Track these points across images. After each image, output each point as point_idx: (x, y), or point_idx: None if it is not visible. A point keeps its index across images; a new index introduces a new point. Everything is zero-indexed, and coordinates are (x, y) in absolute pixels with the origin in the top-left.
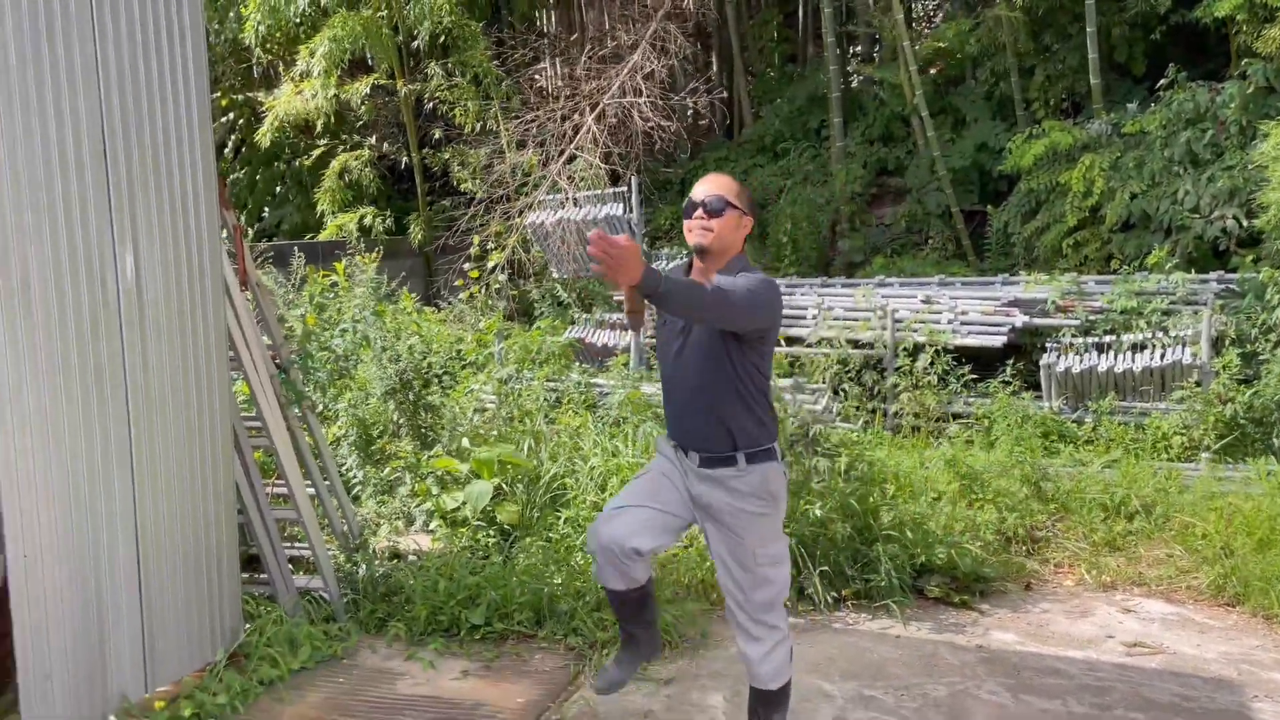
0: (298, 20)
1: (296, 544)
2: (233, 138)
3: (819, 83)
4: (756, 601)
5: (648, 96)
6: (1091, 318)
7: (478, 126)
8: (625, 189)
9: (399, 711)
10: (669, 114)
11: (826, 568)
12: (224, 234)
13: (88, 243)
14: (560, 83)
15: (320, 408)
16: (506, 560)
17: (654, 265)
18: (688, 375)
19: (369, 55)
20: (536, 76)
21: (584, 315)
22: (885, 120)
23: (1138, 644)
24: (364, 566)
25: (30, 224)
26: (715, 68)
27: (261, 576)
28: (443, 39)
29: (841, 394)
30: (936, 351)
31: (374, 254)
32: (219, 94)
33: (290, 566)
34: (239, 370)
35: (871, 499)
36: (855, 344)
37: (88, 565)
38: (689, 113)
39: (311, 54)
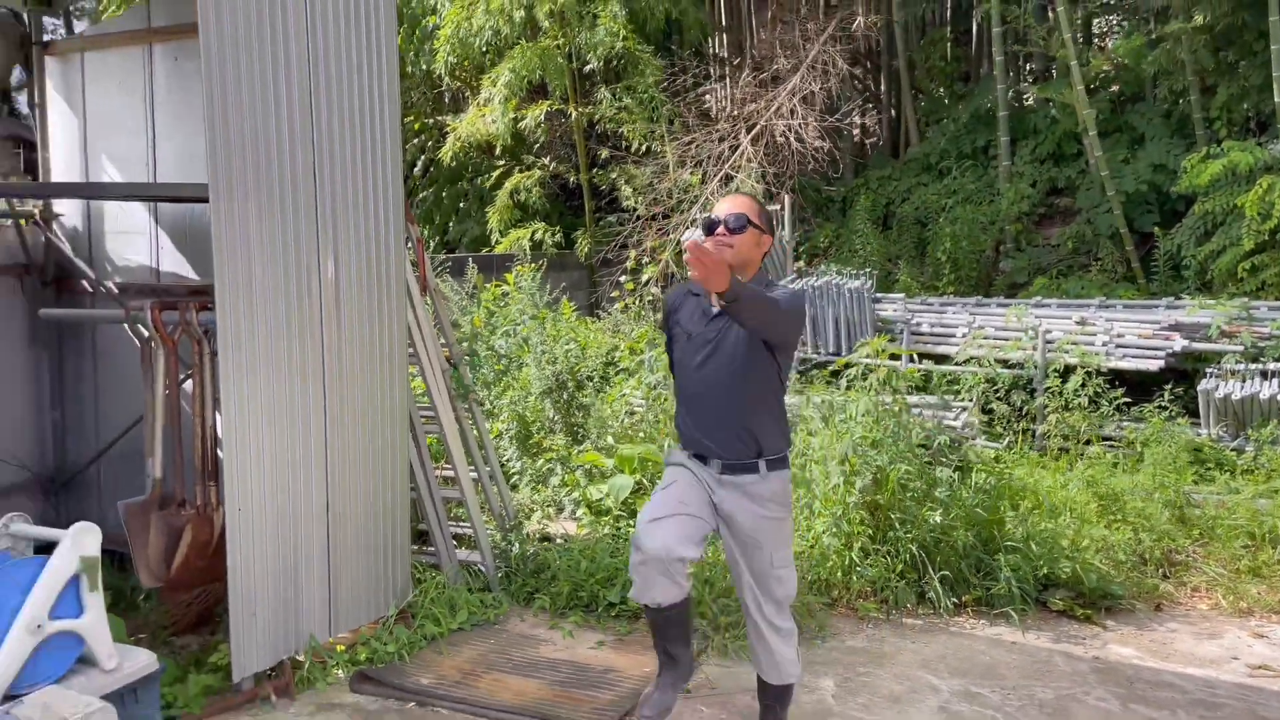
0: (484, 50)
1: (459, 523)
2: (422, 158)
3: (987, 102)
4: (769, 603)
5: (804, 118)
6: (1261, 344)
7: (643, 147)
8: (778, 206)
9: (540, 670)
10: (825, 135)
11: (947, 573)
12: (408, 245)
13: (299, 251)
14: (724, 104)
15: (486, 403)
16: None
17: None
18: (714, 386)
19: (545, 82)
20: (706, 98)
21: None
22: (1057, 139)
23: (1263, 666)
24: (517, 545)
25: (255, 235)
26: (883, 87)
27: (429, 549)
28: (615, 64)
29: (989, 412)
30: (1088, 373)
31: (536, 265)
32: (412, 118)
33: (454, 541)
34: (416, 365)
35: (1000, 510)
36: (1004, 363)
37: (287, 524)
38: (854, 132)
39: (494, 83)
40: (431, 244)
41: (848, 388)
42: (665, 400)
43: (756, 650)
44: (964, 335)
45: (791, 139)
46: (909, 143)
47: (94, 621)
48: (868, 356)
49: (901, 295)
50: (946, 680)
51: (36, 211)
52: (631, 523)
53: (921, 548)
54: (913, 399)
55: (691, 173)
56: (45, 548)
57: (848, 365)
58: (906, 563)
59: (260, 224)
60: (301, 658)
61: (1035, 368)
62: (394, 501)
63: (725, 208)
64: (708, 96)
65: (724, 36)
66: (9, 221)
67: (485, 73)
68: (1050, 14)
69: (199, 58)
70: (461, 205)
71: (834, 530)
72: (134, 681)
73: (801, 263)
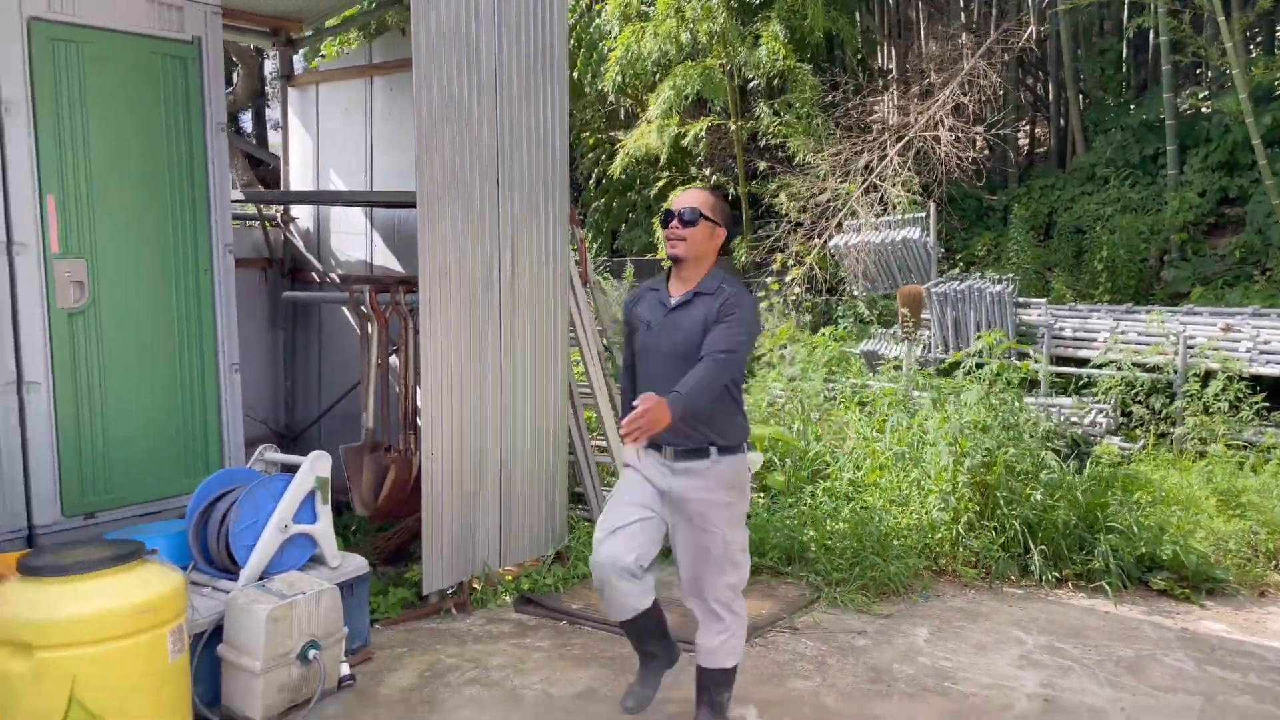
0: (652, 71)
1: (609, 487)
2: (595, 171)
3: (1158, 111)
4: (722, 587)
5: (956, 128)
6: None
7: (799, 158)
8: (924, 214)
9: (669, 608)
10: (985, 144)
11: (1045, 548)
12: (572, 244)
13: (483, 246)
14: (880, 115)
15: None
16: (768, 515)
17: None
18: (669, 375)
19: (706, 98)
20: (872, 109)
21: (881, 330)
22: (1230, 147)
23: None
24: None
25: (450, 233)
26: (1050, 95)
27: (584, 507)
28: (775, 80)
29: (1127, 415)
30: (1229, 378)
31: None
32: (588, 134)
33: (605, 499)
34: (576, 347)
35: (1105, 495)
36: (1143, 367)
37: (468, 471)
38: (1019, 141)
39: (658, 100)
40: (596, 248)
41: (965, 375)
42: (801, 391)
43: (700, 636)
44: (1105, 340)
45: (940, 149)
46: (1075, 152)
47: (324, 528)
48: (983, 351)
49: (1044, 300)
50: (1033, 636)
51: (278, 215)
52: (761, 495)
53: (1025, 524)
54: (1045, 400)
55: (842, 181)
56: (288, 473)
57: (958, 362)
58: (1010, 538)
59: (454, 224)
60: (476, 584)
61: (1175, 372)
62: (554, 459)
63: (680, 201)
64: (870, 108)
65: (889, 49)
66: (256, 223)
67: (652, 91)
68: (1216, 22)
69: (410, 88)
70: (630, 215)
71: (942, 505)
72: (351, 579)
73: (952, 270)
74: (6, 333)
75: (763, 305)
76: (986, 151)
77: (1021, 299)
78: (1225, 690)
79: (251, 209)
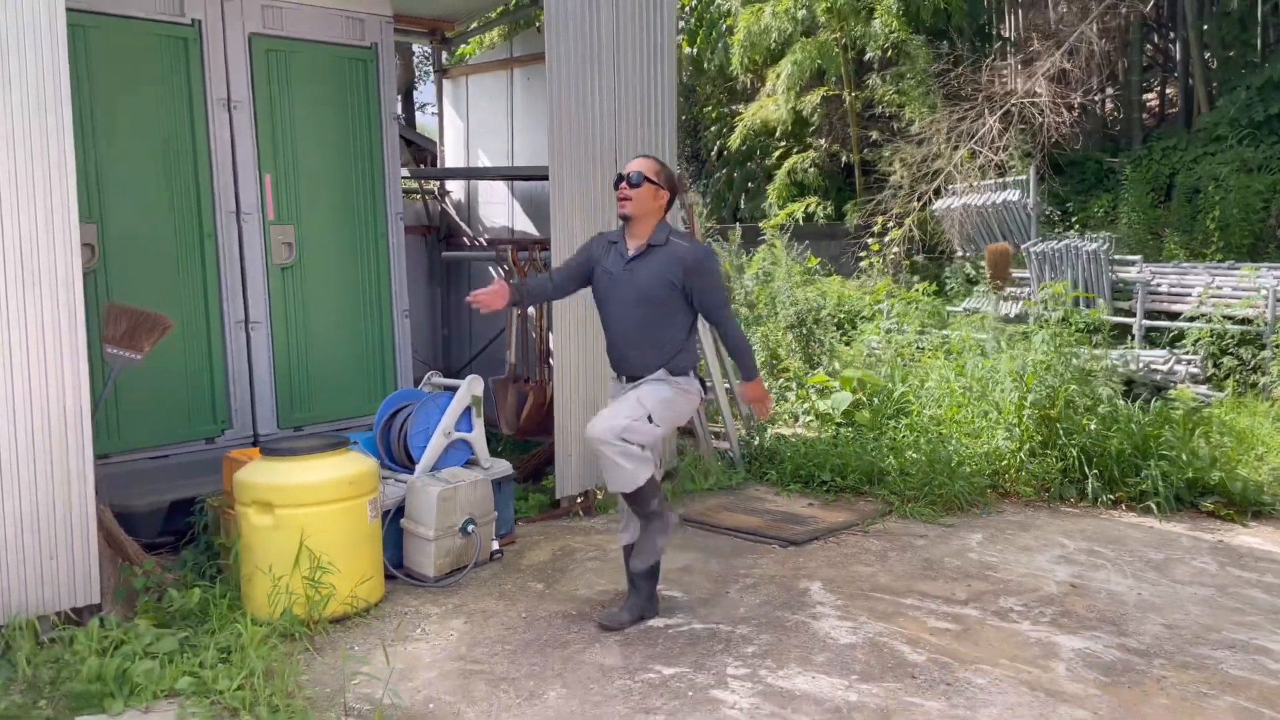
0: (770, 47)
1: (714, 423)
2: (718, 143)
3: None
4: (621, 417)
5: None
6: None
7: (910, 126)
8: (1024, 178)
9: (760, 514)
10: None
11: (1099, 471)
12: (682, 210)
13: (601, 212)
14: (994, 81)
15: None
16: (850, 445)
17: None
18: (627, 317)
19: (823, 70)
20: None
21: (984, 289)
22: None
23: None
24: (756, 438)
25: (575, 201)
26: (1177, 56)
27: (692, 439)
28: (888, 52)
29: (1216, 365)
30: None
31: (792, 233)
32: (710, 108)
33: (711, 435)
34: None
35: (1164, 430)
36: (1233, 320)
37: (590, 399)
38: (1148, 102)
39: (777, 75)
40: (719, 215)
41: (1034, 321)
42: (895, 341)
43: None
44: (1198, 295)
45: (1044, 115)
46: (1200, 111)
47: (478, 436)
48: (1051, 298)
49: (1138, 258)
50: (1075, 542)
51: (435, 189)
52: (848, 430)
53: (1083, 452)
54: (1136, 351)
55: (954, 149)
56: (450, 392)
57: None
58: (1070, 464)
59: (578, 193)
60: (599, 493)
61: (1265, 324)
62: None
63: (629, 167)
64: (982, 75)
65: (1011, 15)
66: (418, 196)
67: (771, 66)
68: None
69: (544, 78)
70: (750, 185)
71: (1008, 435)
72: (499, 478)
73: (1052, 232)
74: (236, 282)
75: (863, 265)
76: (1113, 113)
77: (1118, 257)
78: (1240, 585)
79: (414, 184)
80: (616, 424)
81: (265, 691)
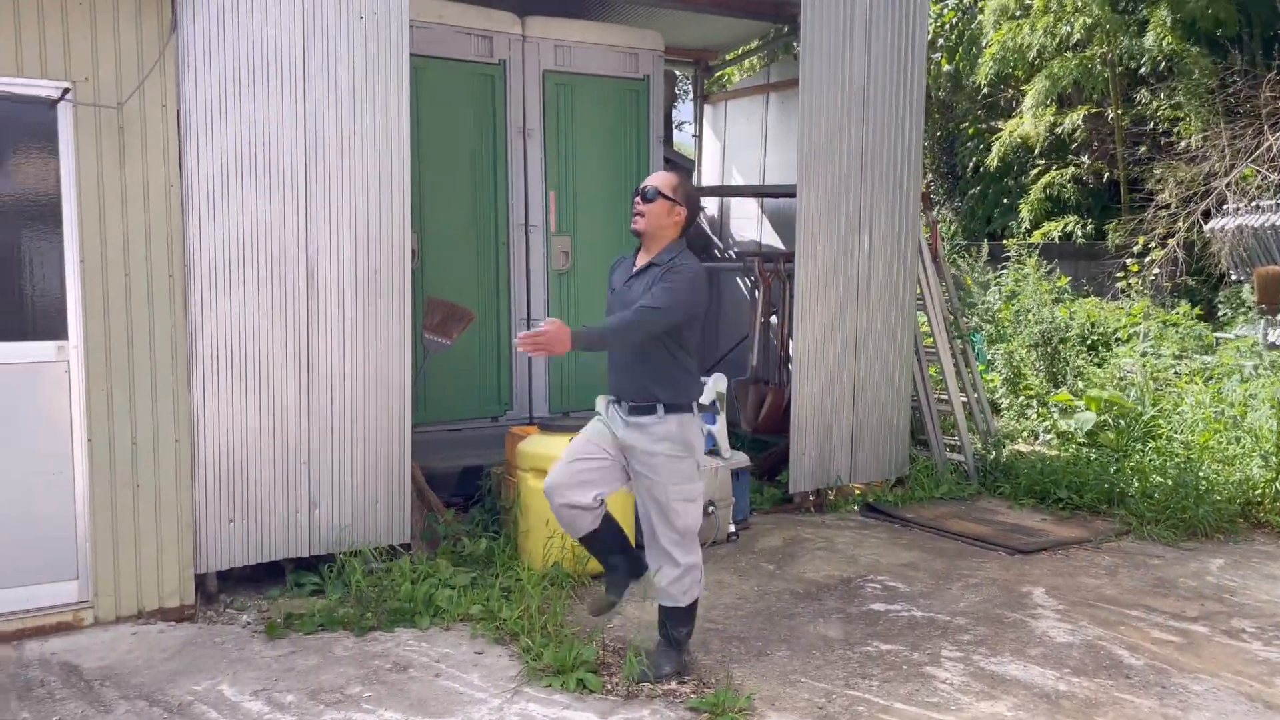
0: (1030, 62)
1: (950, 435)
2: (973, 160)
3: None
4: (665, 531)
5: None
6: None
7: (1181, 143)
8: None
9: (990, 524)
10: None
11: None
12: (924, 223)
13: (845, 228)
14: (1270, 94)
15: (981, 337)
16: (1089, 464)
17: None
18: None
19: (1083, 86)
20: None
21: (1262, 316)
22: None
23: None
24: (993, 453)
25: (821, 217)
26: None
27: (926, 450)
28: (1160, 66)
29: None
30: None
31: (1036, 251)
32: (967, 124)
33: (946, 446)
34: (924, 310)
35: None
36: None
37: (827, 404)
38: None
39: (1034, 91)
40: (968, 232)
41: None
42: (1150, 364)
43: (657, 576)
44: None
45: None
46: None
47: (720, 428)
48: None
49: None
50: None
51: None
52: (1090, 450)
53: None
54: None
55: (1221, 163)
56: None
57: None
58: None
59: (824, 210)
60: (830, 492)
61: None
62: (898, 401)
63: (647, 180)
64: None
65: None
66: None
67: (1028, 82)
68: None
69: (796, 101)
70: (1004, 201)
71: (1263, 464)
72: (737, 468)
73: None
74: (521, 285)
75: (1119, 286)
76: None
77: None
78: None
79: None
80: (666, 539)
81: (539, 621)
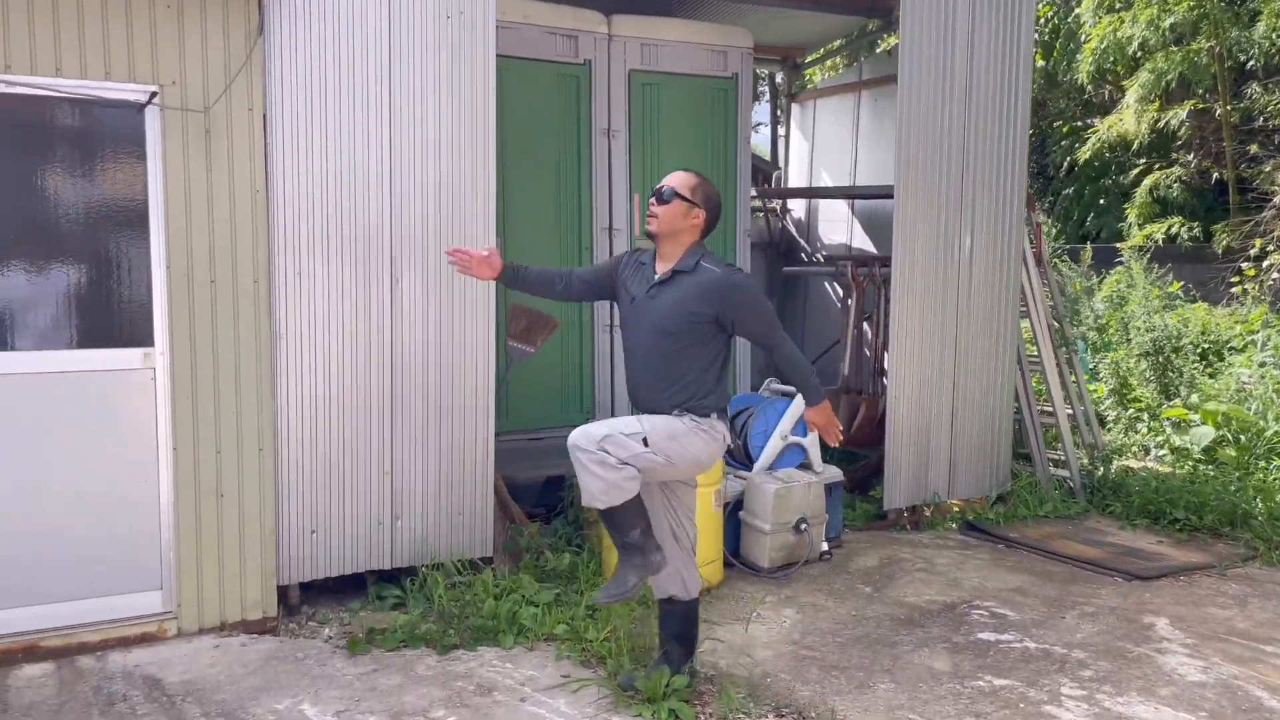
0: (1133, 57)
1: (1054, 449)
2: (1068, 159)
3: None
4: (601, 434)
5: None
6: None
7: None
8: None
9: (1100, 545)
10: None
11: None
12: (1028, 227)
13: (946, 231)
14: None
15: (1089, 362)
16: (1215, 483)
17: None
18: (644, 347)
19: (1190, 81)
20: None
21: None
22: None
23: None
24: (1101, 469)
25: (920, 220)
26: None
27: (1029, 465)
28: (1276, 59)
29: None
30: None
31: (1146, 254)
32: (1061, 122)
33: (1049, 461)
34: (1026, 316)
35: None
36: None
37: (924, 416)
38: None
39: (1136, 86)
40: (1062, 234)
41: None
42: (1271, 376)
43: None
44: None
45: None
46: None
47: (811, 441)
48: None
49: None
50: None
51: (778, 207)
52: (1209, 467)
53: None
54: None
55: None
56: (787, 398)
57: None
58: None
59: (923, 213)
60: (928, 509)
61: None
62: (1000, 414)
63: (664, 180)
64: None
65: None
66: (762, 214)
67: (1129, 77)
68: None
69: (892, 99)
70: (1101, 201)
71: None
72: (830, 483)
73: None
74: None
75: (1234, 291)
76: None
77: None
78: None
79: (758, 202)
80: (598, 431)
81: (626, 644)
